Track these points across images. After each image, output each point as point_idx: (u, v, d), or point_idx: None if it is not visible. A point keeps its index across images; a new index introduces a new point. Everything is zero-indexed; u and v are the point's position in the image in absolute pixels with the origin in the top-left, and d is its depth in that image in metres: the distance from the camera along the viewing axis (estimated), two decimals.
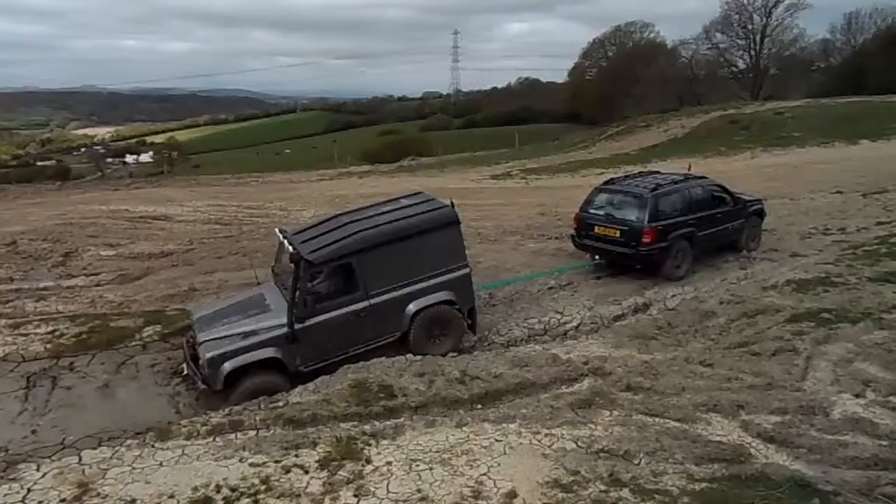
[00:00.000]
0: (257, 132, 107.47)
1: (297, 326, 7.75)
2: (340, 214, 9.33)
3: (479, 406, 6.95)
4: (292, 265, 7.89)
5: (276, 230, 8.99)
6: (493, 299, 10.77)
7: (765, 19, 56.30)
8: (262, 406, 6.96)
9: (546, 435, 6.13)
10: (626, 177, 13.16)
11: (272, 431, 6.32)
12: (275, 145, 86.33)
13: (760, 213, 13.23)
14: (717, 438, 6.03)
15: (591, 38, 74.26)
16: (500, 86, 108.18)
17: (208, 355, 7.47)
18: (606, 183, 12.51)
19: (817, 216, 15.08)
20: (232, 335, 7.67)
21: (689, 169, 13.59)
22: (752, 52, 57.94)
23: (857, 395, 6.84)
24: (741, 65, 59.67)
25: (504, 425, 6.34)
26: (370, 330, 8.30)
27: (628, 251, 11.26)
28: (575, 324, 9.85)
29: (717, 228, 12.12)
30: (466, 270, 8.87)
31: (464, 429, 6.32)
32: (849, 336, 8.25)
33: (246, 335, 7.68)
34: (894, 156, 24.71)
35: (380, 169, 34.82)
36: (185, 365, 8.11)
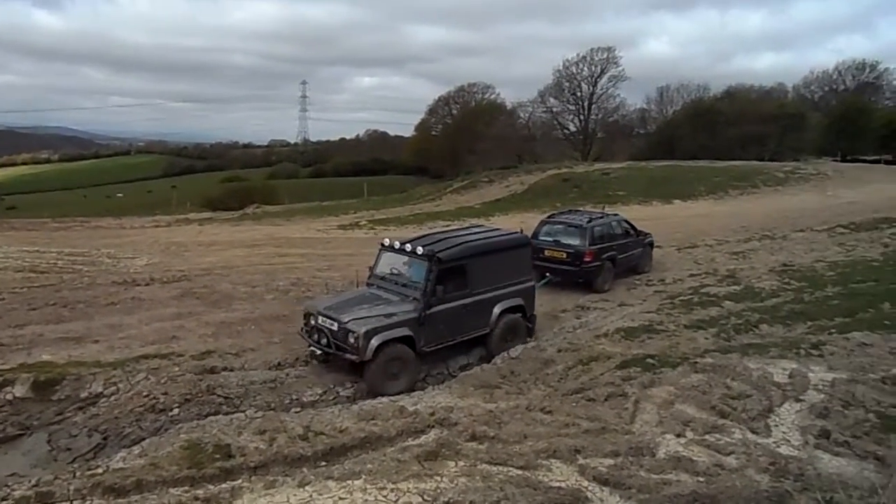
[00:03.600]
0: (85, 174, 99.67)
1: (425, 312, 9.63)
2: (431, 233, 11.75)
3: (324, 463, 6.71)
4: (409, 265, 10.17)
5: (380, 243, 10.99)
6: None
7: (591, 88, 61.64)
8: (76, 474, 6.26)
9: (392, 490, 6.01)
10: (561, 213, 16.98)
11: (88, 503, 5.68)
12: (105, 188, 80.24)
13: (652, 244, 17.21)
14: (557, 484, 6.22)
15: (436, 95, 77.01)
16: (348, 137, 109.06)
17: (363, 330, 9.04)
18: (550, 217, 16.23)
19: None
20: (376, 316, 9.41)
21: (603, 209, 17.63)
22: (582, 117, 63.05)
23: (678, 435, 7.38)
24: (572, 127, 64.68)
25: (349, 482, 6.14)
26: (470, 322, 10.37)
27: (573, 269, 14.45)
28: (422, 375, 9.89)
29: (629, 253, 15.87)
30: (532, 283, 11.35)
31: (306, 488, 6.05)
32: (670, 380, 8.92)
33: (387, 316, 9.44)
34: (701, 214, 27.68)
35: (222, 216, 33.43)
36: (313, 349, 9.69)
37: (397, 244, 10.45)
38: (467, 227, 12.09)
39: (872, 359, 9.80)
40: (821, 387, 8.70)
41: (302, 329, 10.13)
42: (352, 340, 9.10)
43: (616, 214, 16.83)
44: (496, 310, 10.59)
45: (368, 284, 10.67)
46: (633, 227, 16.45)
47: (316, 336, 9.65)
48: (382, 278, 10.47)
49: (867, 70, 63.85)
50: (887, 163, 47.72)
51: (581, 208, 18.48)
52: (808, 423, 7.69)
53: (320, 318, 9.64)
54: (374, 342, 9.07)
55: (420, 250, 10.01)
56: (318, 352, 9.66)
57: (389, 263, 10.55)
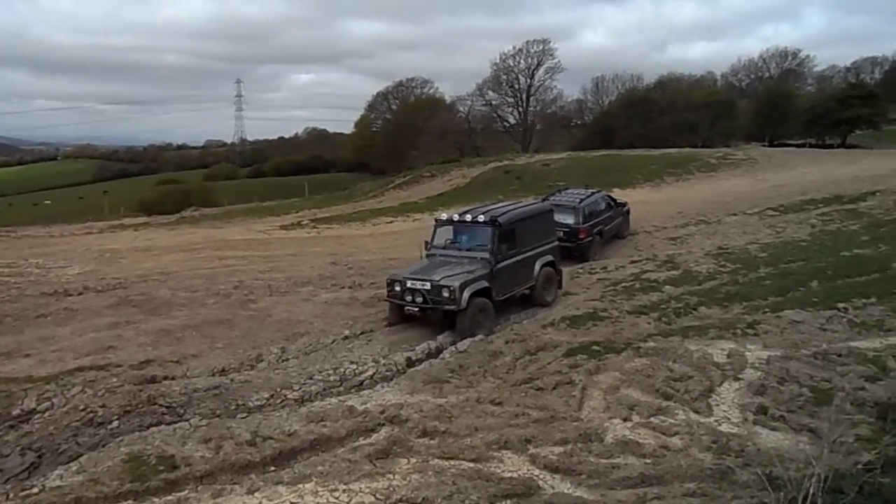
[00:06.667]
0: (9, 182, 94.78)
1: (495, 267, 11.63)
2: (474, 207, 13.50)
3: (273, 468, 6.61)
4: (468, 233, 12.18)
5: (435, 219, 12.94)
6: (285, 353, 10.39)
7: (529, 80, 62.24)
8: (10, 495, 5.98)
9: (344, 491, 5.96)
10: (553, 194, 18.59)
11: None
12: (32, 195, 76.62)
13: (628, 211, 19.78)
14: (509, 475, 6.28)
15: (375, 90, 76.29)
16: (287, 135, 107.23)
17: (458, 283, 10.91)
18: (545, 198, 17.68)
19: None
20: (461, 273, 11.27)
21: (586, 187, 19.76)
22: (520, 109, 63.62)
23: (624, 420, 7.54)
24: (512, 120, 65.16)
25: (299, 486, 6.07)
26: (523, 276, 12.45)
27: (570, 245, 15.75)
28: (370, 373, 9.79)
29: (612, 224, 18.18)
30: (557, 243, 13.63)
31: (255, 495, 5.95)
32: (615, 365, 9.10)
33: (469, 272, 11.31)
34: (639, 202, 28.13)
35: (158, 220, 32.45)
36: (409, 309, 11.32)
37: (456, 217, 12.54)
38: (498, 202, 14.56)
39: (804, 335, 10.24)
40: (757, 365, 9.03)
41: (387, 295, 11.67)
42: (446, 294, 10.89)
43: (599, 191, 19.03)
44: (537, 265, 12.71)
45: (429, 256, 12.32)
46: (613, 199, 18.88)
47: (410, 297, 11.23)
48: (444, 248, 12.37)
49: (790, 58, 66.73)
50: (811, 146, 49.87)
51: (569, 187, 20.18)
52: (747, 401, 7.97)
53: (409, 282, 11.26)
54: (467, 293, 10.93)
55: (481, 218, 12.05)
56: (416, 310, 11.25)
57: (444, 235, 12.55)
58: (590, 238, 16.56)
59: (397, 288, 11.40)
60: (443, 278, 11.08)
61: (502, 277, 11.84)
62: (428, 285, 11.06)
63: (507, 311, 12.39)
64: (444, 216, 12.80)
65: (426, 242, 12.66)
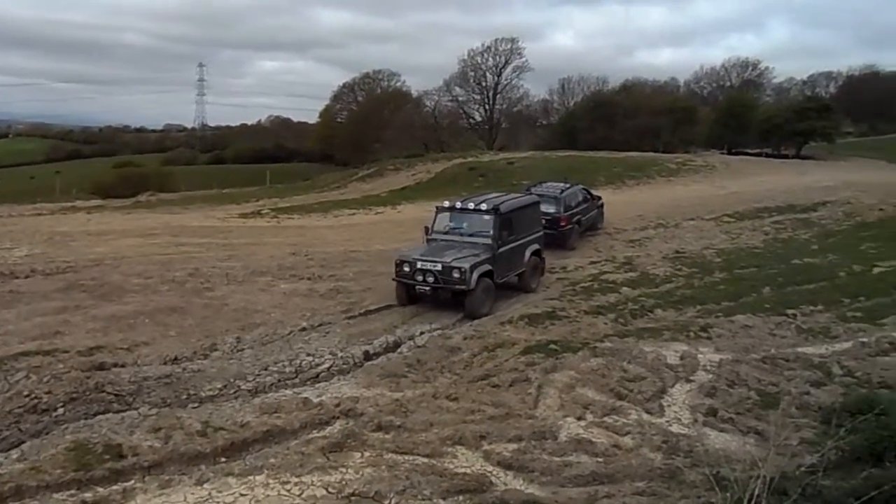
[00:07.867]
0: None
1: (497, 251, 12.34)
2: (470, 196, 14.22)
3: (224, 459, 6.50)
4: (470, 220, 12.92)
5: (437, 206, 13.51)
6: (241, 343, 10.22)
7: (496, 78, 62.33)
8: None
9: (296, 484, 5.90)
10: (536, 185, 19.61)
11: None
12: None
13: (603, 205, 21.02)
14: (462, 470, 6.29)
15: (341, 81, 75.38)
16: (250, 122, 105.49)
17: (468, 265, 11.61)
18: (527, 189, 18.40)
19: None
20: (468, 256, 11.95)
21: (565, 180, 20.43)
22: (487, 107, 63.68)
23: (578, 418, 7.64)
24: (478, 117, 65.13)
25: (250, 478, 5.99)
26: (516, 261, 13.22)
27: (553, 232, 16.34)
28: (327, 365, 9.69)
29: (589, 214, 19.41)
30: (542, 233, 14.41)
31: (205, 486, 5.85)
32: (571, 364, 9.21)
33: (474, 256, 12.00)
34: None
35: (113, 204, 31.57)
36: (420, 288, 11.93)
37: (458, 204, 13.28)
38: (490, 193, 15.26)
39: (754, 340, 10.52)
40: (709, 367, 9.24)
41: (396, 275, 12.17)
42: (457, 275, 11.59)
43: (577, 184, 20.25)
44: (527, 252, 13.52)
45: (430, 240, 12.95)
46: (589, 193, 20.19)
47: (421, 277, 11.87)
48: (446, 233, 13.04)
49: (750, 68, 68.27)
50: (768, 156, 51.14)
51: (547, 181, 20.69)
52: (698, 402, 8.14)
53: (419, 263, 11.89)
54: (475, 274, 11.64)
55: (484, 206, 12.85)
56: (427, 289, 11.87)
57: (445, 222, 13.21)
58: (570, 226, 17.65)
59: (406, 269, 11.98)
60: (453, 260, 11.76)
61: (502, 262, 12.54)
62: (439, 266, 11.70)
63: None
64: (446, 203, 13.53)
65: (427, 227, 13.24)
